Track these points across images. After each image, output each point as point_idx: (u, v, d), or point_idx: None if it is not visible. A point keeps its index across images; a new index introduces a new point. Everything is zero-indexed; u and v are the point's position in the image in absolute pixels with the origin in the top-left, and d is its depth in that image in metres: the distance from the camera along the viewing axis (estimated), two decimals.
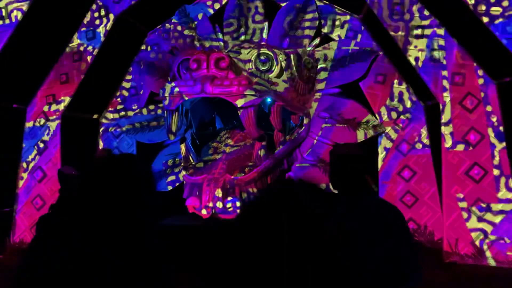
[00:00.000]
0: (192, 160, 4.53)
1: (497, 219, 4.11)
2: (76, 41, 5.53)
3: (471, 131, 4.23)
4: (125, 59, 5.56)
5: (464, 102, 4.27)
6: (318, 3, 4.96)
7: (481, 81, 4.25)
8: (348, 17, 4.91)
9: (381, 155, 4.66)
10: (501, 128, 4.17)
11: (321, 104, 4.80)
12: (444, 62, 4.34)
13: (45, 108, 5.52)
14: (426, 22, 4.45)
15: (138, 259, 1.46)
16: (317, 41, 4.91)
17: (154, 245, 1.54)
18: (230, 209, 4.12)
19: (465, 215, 4.18)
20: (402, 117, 4.65)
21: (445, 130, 4.29)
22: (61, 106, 5.45)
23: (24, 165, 5.51)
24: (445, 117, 4.30)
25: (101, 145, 5.61)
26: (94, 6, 5.43)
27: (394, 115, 4.68)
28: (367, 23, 4.84)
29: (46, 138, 5.49)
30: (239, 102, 4.03)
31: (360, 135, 4.67)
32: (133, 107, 5.55)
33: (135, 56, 5.53)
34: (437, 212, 4.42)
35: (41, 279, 1.38)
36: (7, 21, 5.26)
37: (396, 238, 1.65)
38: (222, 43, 5.19)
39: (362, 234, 1.62)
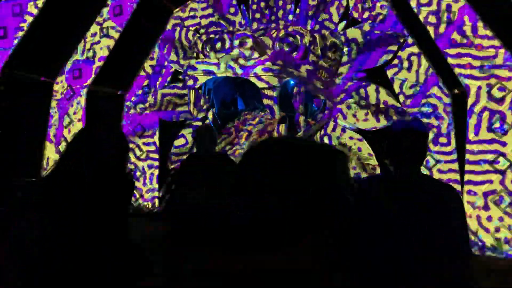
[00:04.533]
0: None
1: None
2: (103, 16, 5.59)
3: (498, 121, 4.12)
4: (150, 36, 5.59)
5: (493, 91, 4.15)
6: None
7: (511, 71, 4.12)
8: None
9: None
10: None
11: (345, 88, 4.74)
12: (473, 49, 4.21)
13: (72, 82, 5.62)
14: (456, 8, 4.32)
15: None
16: (343, 24, 4.83)
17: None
18: None
19: (486, 206, 4.11)
20: (427, 104, 4.55)
21: (471, 119, 4.19)
22: (87, 81, 5.55)
23: (52, 137, 5.66)
24: (472, 105, 4.20)
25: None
26: None
27: (419, 102, 4.58)
28: (395, 7, 4.72)
29: (72, 111, 5.62)
30: (262, 83, 4.02)
31: (384, 121, 4.60)
32: (157, 85, 5.60)
33: (160, 34, 5.56)
34: None
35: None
36: None
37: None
38: (247, 23, 5.15)
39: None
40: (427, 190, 1.68)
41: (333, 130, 4.75)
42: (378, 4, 4.77)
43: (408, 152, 1.72)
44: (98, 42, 5.59)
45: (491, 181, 4.11)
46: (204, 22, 5.36)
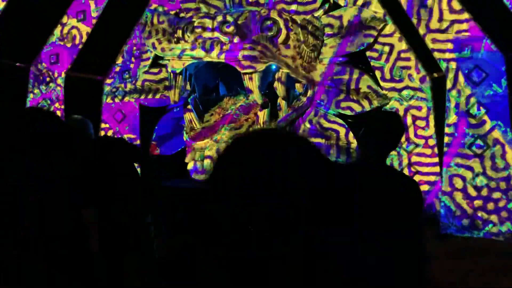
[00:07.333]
0: (194, 125, 4.53)
1: (495, 194, 4.15)
2: (81, 0, 5.46)
3: (476, 104, 4.19)
4: (129, 20, 5.48)
5: (471, 75, 4.21)
6: None
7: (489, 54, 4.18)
8: None
9: None
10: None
11: (327, 72, 4.75)
12: (453, 33, 4.26)
13: (49, 68, 5.50)
14: None
15: None
16: (325, 7, 4.81)
17: None
18: None
19: (464, 188, 4.22)
20: (407, 88, 4.60)
21: (450, 103, 4.26)
22: (65, 67, 5.44)
23: None
24: (450, 89, 4.26)
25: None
26: None
27: (399, 86, 4.63)
28: None
29: (49, 98, 5.51)
30: (243, 68, 4.00)
31: (365, 106, 4.64)
32: (137, 70, 5.51)
33: (139, 17, 5.45)
34: (437, 185, 4.45)
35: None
36: None
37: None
38: (228, 7, 5.09)
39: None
40: (387, 181, 1.71)
41: (315, 115, 4.77)
42: None
43: (376, 141, 1.75)
44: (76, 26, 5.46)
45: (469, 164, 4.21)
46: (184, 5, 5.28)
